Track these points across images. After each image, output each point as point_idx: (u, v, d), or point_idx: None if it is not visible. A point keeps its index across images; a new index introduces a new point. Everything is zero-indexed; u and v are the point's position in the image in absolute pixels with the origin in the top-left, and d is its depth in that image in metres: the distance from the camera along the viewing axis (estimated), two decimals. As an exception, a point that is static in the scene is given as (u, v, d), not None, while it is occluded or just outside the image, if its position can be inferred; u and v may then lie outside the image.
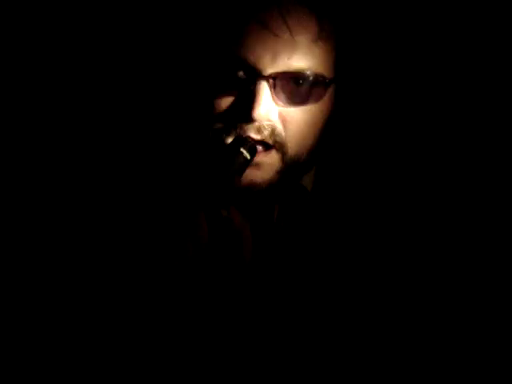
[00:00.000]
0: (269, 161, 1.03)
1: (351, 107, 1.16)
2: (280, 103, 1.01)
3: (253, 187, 1.03)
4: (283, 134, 1.02)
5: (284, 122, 1.02)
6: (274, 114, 1.01)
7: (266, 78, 0.99)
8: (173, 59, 1.17)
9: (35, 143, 1.27)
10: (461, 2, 1.28)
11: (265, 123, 1.00)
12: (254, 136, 1.01)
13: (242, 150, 0.99)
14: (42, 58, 1.29)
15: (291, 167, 1.05)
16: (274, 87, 0.99)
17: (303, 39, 1.00)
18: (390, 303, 1.08)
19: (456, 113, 1.30)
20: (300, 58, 1.00)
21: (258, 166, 1.02)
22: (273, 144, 1.02)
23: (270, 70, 0.99)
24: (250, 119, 1.00)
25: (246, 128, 1.01)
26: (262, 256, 1.08)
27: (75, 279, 1.06)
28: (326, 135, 1.08)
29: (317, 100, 1.03)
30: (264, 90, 0.99)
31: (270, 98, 1.00)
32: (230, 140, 1.01)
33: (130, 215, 1.06)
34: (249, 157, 0.99)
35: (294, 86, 1.01)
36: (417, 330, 1.07)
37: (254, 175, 1.03)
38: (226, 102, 1.02)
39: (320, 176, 1.14)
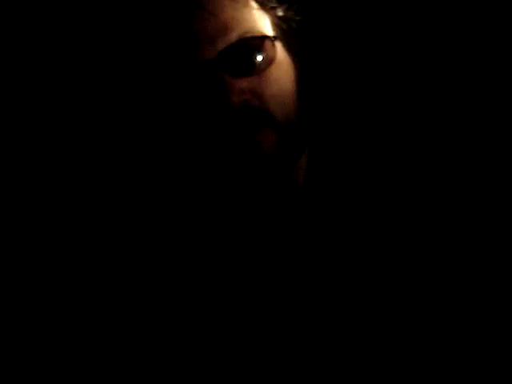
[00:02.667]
0: (262, 137, 1.02)
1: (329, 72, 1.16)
2: (239, 80, 1.01)
3: (254, 164, 1.02)
4: (261, 106, 1.01)
5: (255, 94, 1.01)
6: (240, 92, 1.00)
7: (213, 63, 1.00)
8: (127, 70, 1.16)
9: (35, 144, 1.27)
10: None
11: (236, 103, 1.00)
12: (233, 119, 1.00)
13: (229, 132, 1.00)
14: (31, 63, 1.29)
15: (285, 137, 1.03)
16: (224, 68, 1.00)
17: (226, 11, 1.02)
18: (390, 304, 1.04)
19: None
20: (233, 27, 1.01)
21: (253, 143, 1.01)
22: (255, 118, 1.01)
23: (213, 54, 1.00)
24: (219, 106, 0.99)
25: (221, 114, 1.00)
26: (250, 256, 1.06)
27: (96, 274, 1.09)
28: (308, 98, 1.07)
29: (270, 62, 1.03)
30: (216, 73, 1.00)
31: (225, 79, 1.00)
32: (214, 129, 1.01)
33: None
34: (238, 136, 1.00)
35: (242, 58, 1.01)
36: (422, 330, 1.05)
37: (251, 153, 1.02)
38: (191, 98, 1.02)
39: (313, 168, 1.11)
